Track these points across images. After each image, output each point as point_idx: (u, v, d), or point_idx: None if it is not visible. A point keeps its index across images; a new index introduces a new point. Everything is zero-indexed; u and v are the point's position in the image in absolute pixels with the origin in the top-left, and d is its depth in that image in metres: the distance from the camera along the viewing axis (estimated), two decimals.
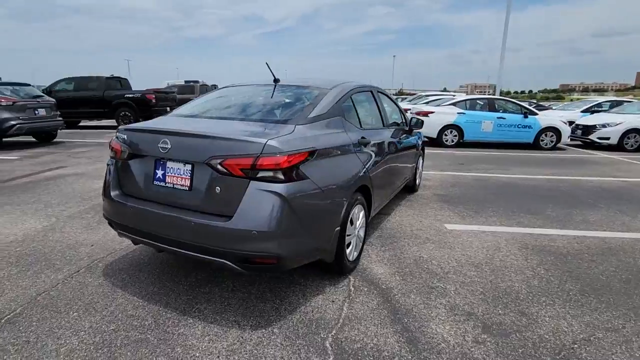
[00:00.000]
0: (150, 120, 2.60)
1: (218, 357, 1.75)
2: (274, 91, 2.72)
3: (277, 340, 1.88)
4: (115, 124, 12.67)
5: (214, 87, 18.79)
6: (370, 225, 3.59)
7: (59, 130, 9.48)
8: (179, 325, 1.98)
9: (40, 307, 2.12)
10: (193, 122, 2.38)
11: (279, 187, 1.84)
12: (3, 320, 1.99)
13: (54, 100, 9.18)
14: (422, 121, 4.26)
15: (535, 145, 9.90)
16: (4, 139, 7.96)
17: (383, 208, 4.06)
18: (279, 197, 1.83)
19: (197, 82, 21.67)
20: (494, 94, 17.03)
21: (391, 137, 3.42)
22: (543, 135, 9.81)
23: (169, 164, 2.06)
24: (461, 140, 9.83)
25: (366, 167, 2.63)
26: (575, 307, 2.25)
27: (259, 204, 1.82)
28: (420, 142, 4.63)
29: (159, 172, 2.10)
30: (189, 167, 2.00)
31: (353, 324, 2.04)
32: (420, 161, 4.91)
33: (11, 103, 7.81)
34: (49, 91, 12.88)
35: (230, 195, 1.87)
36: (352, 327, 2.01)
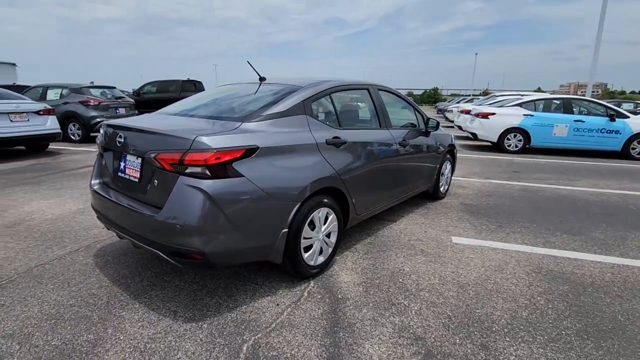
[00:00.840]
0: (131, 117, 2.82)
1: (138, 343, 1.82)
2: (251, 89, 2.74)
3: (200, 336, 1.89)
4: None
5: None
6: (364, 230, 3.40)
7: None
8: (125, 309, 2.12)
9: (31, 277, 2.45)
10: (158, 118, 2.52)
11: (204, 184, 1.84)
12: None
13: (132, 100, 10.52)
14: (438, 122, 3.88)
15: (624, 154, 8.34)
16: (91, 134, 9.36)
17: (386, 213, 3.82)
18: (204, 194, 1.83)
19: None
20: (599, 94, 14.70)
21: (390, 138, 3.19)
22: (635, 142, 8.21)
23: (128, 157, 2.21)
24: (528, 146, 8.72)
25: (337, 168, 2.49)
26: (559, 350, 1.84)
27: (185, 199, 1.85)
28: (443, 145, 4.23)
29: (122, 164, 2.26)
30: (140, 160, 2.12)
31: (283, 330, 1.95)
32: (447, 166, 4.48)
33: (97, 103, 9.16)
34: (137, 92, 14.84)
35: (164, 189, 1.93)
36: (280, 333, 1.92)
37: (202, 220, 1.84)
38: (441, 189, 4.46)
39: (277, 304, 2.19)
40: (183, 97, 15.31)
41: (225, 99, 2.72)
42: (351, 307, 2.18)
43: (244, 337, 1.89)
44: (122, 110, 9.77)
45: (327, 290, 2.37)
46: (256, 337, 1.89)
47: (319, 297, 2.29)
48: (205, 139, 1.87)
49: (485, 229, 3.52)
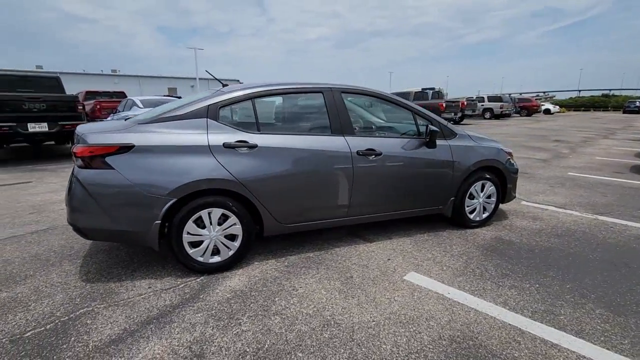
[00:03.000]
0: None
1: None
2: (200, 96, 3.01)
3: (78, 292, 2.36)
4: None
5: (439, 93, 18.93)
6: (321, 244, 3.13)
7: None
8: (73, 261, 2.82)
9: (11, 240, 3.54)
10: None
11: (78, 171, 2.29)
12: None
13: None
14: (437, 131, 3.08)
15: None
16: None
17: (371, 229, 3.39)
18: (76, 179, 2.29)
19: (432, 89, 22.21)
20: None
21: (341, 146, 2.83)
22: None
23: None
24: None
25: (237, 171, 2.49)
26: None
27: (71, 183, 2.36)
28: (468, 161, 3.32)
29: None
30: None
31: (125, 308, 2.19)
32: (486, 189, 3.48)
33: None
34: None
35: None
36: (117, 309, 2.17)
37: (76, 202, 2.30)
38: (470, 215, 3.51)
39: (149, 287, 2.43)
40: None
41: (170, 104, 2.99)
42: (194, 309, 2.19)
43: (95, 303, 2.23)
44: None
45: (202, 287, 2.43)
46: (100, 306, 2.21)
47: (186, 291, 2.39)
48: (87, 136, 2.32)
49: (476, 276, 2.62)
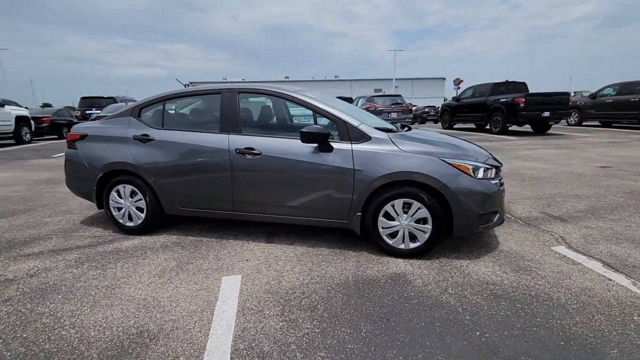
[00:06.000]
0: None
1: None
2: None
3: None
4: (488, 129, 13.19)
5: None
6: (207, 230, 3.35)
7: None
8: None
9: None
10: None
11: (65, 150, 3.57)
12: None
13: (408, 107, 11.85)
14: (309, 132, 2.59)
15: None
16: None
17: (279, 230, 3.32)
18: (64, 154, 3.57)
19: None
20: None
21: (221, 143, 3.00)
22: None
23: None
24: None
25: (136, 157, 3.17)
26: None
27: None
28: (375, 171, 2.65)
29: None
30: None
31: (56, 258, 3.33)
32: (415, 210, 2.66)
33: (374, 108, 11.47)
34: (457, 99, 15.58)
35: None
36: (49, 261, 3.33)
37: (65, 170, 3.61)
38: (389, 240, 2.78)
39: (92, 232, 3.49)
40: (488, 101, 14.28)
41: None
42: (99, 251, 3.06)
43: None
44: (394, 115, 11.49)
45: (112, 241, 3.28)
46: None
47: (97, 241, 3.29)
48: (71, 129, 3.56)
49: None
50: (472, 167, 2.65)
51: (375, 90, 51.10)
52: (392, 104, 11.89)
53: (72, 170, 3.55)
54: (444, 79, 56.74)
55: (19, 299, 2.32)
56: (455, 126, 16.37)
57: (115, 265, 2.78)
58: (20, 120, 12.22)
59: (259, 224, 3.57)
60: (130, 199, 3.34)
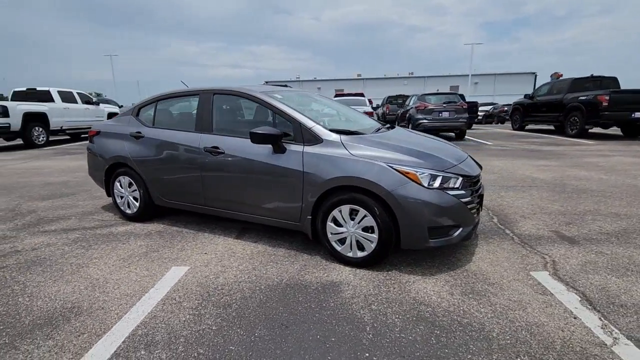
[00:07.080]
0: None
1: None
2: None
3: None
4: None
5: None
6: (185, 221, 3.55)
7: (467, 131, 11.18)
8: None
9: None
10: None
11: (87, 144, 4.13)
12: None
13: (462, 105, 10.92)
14: (257, 133, 2.56)
15: None
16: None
17: (252, 229, 3.43)
18: (87, 148, 4.14)
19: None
20: None
21: (194, 142, 3.20)
22: None
23: None
24: None
25: (130, 152, 3.55)
26: None
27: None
28: (323, 174, 2.56)
29: None
30: None
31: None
32: (361, 217, 2.53)
33: (423, 107, 10.85)
34: (531, 96, 13.90)
35: None
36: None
37: (87, 161, 4.18)
38: (337, 247, 2.67)
39: (107, 216, 4.00)
40: (565, 99, 13.12)
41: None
42: (94, 234, 3.53)
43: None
44: (445, 114, 10.74)
45: (102, 226, 3.73)
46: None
47: (100, 224, 3.76)
48: (93, 126, 4.10)
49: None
50: (423, 174, 2.41)
51: (451, 88, 48.04)
52: (443, 103, 11.11)
53: (91, 162, 4.10)
54: (534, 74, 50.62)
55: (12, 267, 2.79)
56: (527, 127, 14.67)
57: (98, 247, 3.16)
58: (112, 116, 14.33)
59: (238, 221, 3.71)
60: (128, 189, 3.74)
